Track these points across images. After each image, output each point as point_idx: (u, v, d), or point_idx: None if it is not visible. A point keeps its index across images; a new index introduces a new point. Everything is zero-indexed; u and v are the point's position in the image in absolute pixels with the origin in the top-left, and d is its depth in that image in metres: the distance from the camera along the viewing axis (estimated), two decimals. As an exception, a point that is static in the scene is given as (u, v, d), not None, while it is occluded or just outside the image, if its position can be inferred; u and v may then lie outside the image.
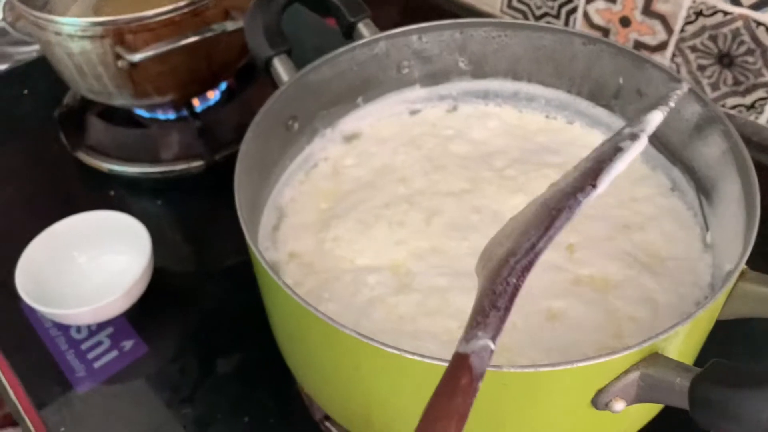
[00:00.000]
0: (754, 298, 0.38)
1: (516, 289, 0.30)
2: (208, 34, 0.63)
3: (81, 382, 0.56)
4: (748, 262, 0.37)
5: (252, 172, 0.47)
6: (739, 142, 0.43)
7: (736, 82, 0.77)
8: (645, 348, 0.34)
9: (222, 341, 0.59)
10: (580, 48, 0.53)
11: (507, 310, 0.29)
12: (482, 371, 0.27)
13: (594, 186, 0.31)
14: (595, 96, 0.56)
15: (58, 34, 0.62)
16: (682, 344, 0.37)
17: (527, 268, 0.30)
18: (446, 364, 0.33)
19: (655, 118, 0.36)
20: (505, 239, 0.32)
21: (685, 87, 0.41)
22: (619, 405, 0.35)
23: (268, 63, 0.52)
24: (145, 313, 0.60)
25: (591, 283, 0.46)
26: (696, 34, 0.81)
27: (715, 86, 0.79)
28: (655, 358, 0.34)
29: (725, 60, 0.77)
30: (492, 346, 0.28)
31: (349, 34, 0.55)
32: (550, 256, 0.47)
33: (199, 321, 0.61)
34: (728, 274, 0.37)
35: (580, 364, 0.33)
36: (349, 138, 0.57)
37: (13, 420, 1.24)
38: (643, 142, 0.34)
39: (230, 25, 0.63)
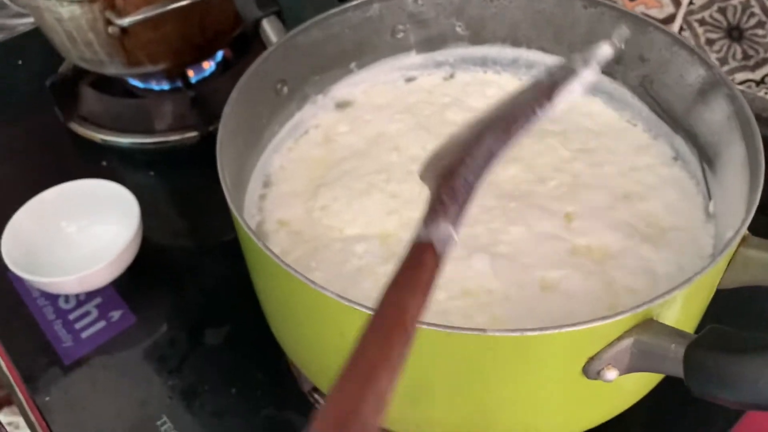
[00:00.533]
0: (756, 264, 0.36)
1: (472, 187, 0.30)
2: (199, -2, 0.61)
3: (68, 353, 0.55)
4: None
5: (237, 136, 0.45)
6: (744, 105, 0.41)
7: (746, 56, 0.75)
8: (639, 313, 0.32)
9: (211, 313, 0.57)
10: (581, 12, 0.52)
11: (465, 203, 0.29)
12: (445, 256, 0.27)
13: (550, 101, 0.31)
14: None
15: (47, -2, 0.61)
16: (680, 312, 0.35)
17: (483, 167, 0.30)
18: (433, 328, 0.32)
19: (605, 51, 0.34)
20: (455, 149, 0.32)
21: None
22: (612, 374, 0.33)
23: (256, 25, 0.50)
24: (134, 284, 0.59)
25: (588, 253, 0.44)
26: (704, 7, 0.79)
27: (723, 61, 0.77)
28: (649, 324, 0.33)
29: (734, 33, 0.75)
30: (455, 235, 0.28)
31: (343, -3, 0.53)
32: (546, 225, 0.45)
33: (189, 293, 0.59)
34: (730, 239, 0.35)
35: (571, 329, 0.32)
36: (342, 105, 0.55)
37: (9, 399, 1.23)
38: (595, 70, 0.33)
39: (221, -10, 0.61)
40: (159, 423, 0.51)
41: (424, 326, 0.32)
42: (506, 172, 0.49)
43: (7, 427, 1.08)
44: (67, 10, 0.62)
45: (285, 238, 0.48)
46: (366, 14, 0.52)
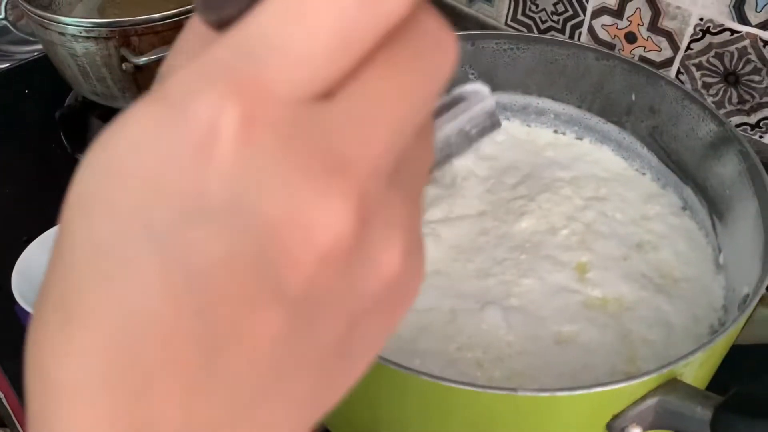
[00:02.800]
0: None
1: None
2: (216, 39, 0.62)
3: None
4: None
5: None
6: (757, 163, 0.43)
7: (741, 101, 0.77)
8: (664, 374, 0.33)
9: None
10: (593, 63, 0.53)
11: None
12: None
13: None
14: (606, 112, 0.55)
15: (62, 34, 0.62)
16: (699, 369, 0.36)
17: None
18: (458, 386, 0.32)
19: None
20: None
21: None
22: (635, 431, 0.34)
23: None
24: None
25: (603, 306, 0.45)
26: (702, 52, 0.81)
27: (720, 104, 0.79)
28: (673, 383, 0.33)
29: (731, 78, 0.77)
30: None
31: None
32: (558, 277, 0.46)
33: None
34: (746, 297, 0.36)
35: (597, 390, 0.32)
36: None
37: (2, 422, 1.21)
38: None
39: (238, 31, 0.62)
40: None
41: (448, 383, 0.32)
42: (518, 225, 0.50)
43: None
44: (81, 46, 0.62)
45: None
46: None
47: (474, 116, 0.25)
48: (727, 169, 0.46)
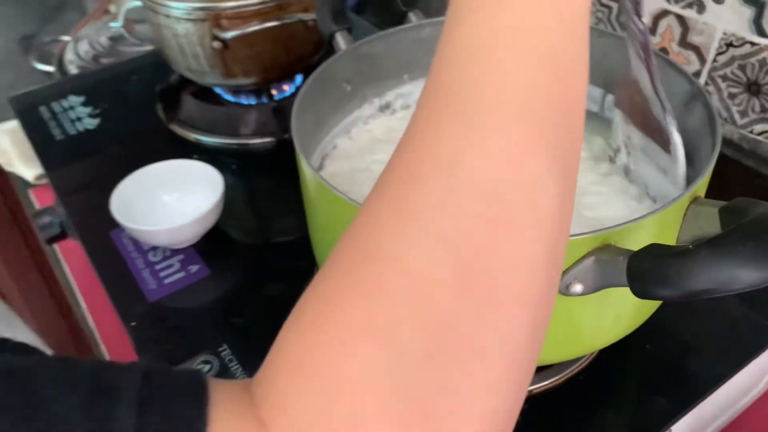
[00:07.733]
0: (705, 216, 0.44)
1: None
2: (287, 20, 0.75)
3: (152, 293, 0.67)
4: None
5: (307, 114, 0.57)
6: (713, 112, 0.51)
7: (764, 109, 0.83)
8: (599, 236, 0.41)
9: (272, 275, 0.69)
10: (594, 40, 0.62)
11: None
12: None
13: None
14: (608, 86, 0.64)
15: (167, 17, 0.76)
16: (631, 237, 0.42)
17: None
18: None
19: None
20: None
21: None
22: (577, 287, 0.42)
23: (331, 36, 0.63)
24: (212, 248, 0.71)
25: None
26: (726, 64, 0.88)
27: (744, 113, 0.85)
28: (607, 246, 0.41)
29: (753, 88, 0.84)
30: None
31: (401, 21, 0.66)
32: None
33: (257, 262, 0.71)
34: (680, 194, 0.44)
35: (545, 244, 0.41)
36: (394, 110, 0.67)
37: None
38: None
39: (305, 16, 0.75)
40: (220, 350, 0.61)
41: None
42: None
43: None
44: (182, 27, 0.77)
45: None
46: (419, 35, 0.64)
47: None
48: (695, 119, 0.54)
